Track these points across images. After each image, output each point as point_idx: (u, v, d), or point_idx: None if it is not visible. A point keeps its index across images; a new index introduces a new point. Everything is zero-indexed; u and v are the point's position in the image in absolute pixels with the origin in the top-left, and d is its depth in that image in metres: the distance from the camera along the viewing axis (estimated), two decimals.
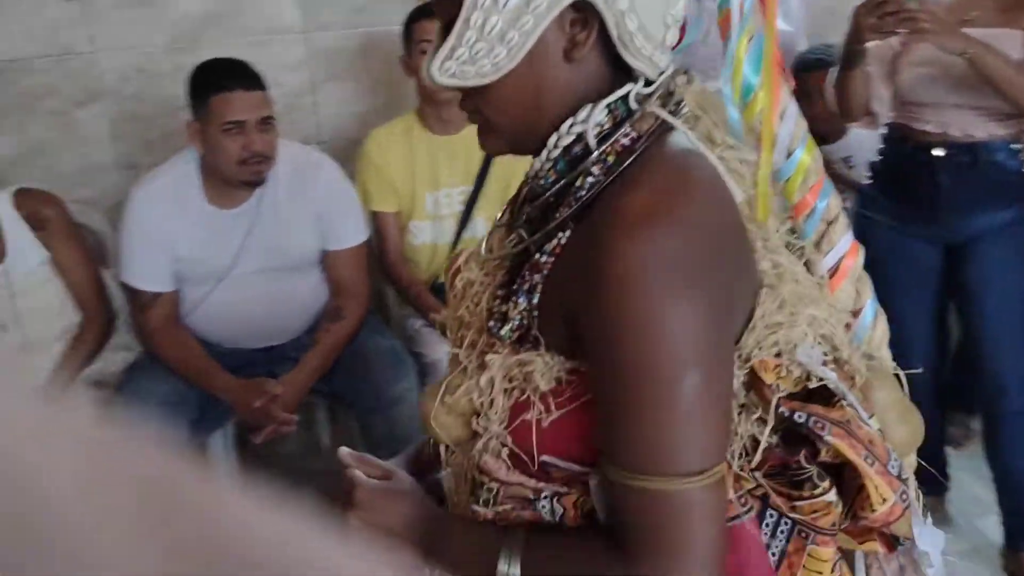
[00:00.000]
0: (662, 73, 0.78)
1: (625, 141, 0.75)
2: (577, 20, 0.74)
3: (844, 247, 0.84)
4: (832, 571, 0.76)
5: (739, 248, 0.77)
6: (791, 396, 0.77)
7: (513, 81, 0.75)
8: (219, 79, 2.02)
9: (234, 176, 2.05)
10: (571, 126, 0.77)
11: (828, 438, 0.74)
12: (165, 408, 2.05)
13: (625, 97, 0.77)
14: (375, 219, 2.42)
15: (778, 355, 0.77)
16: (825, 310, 0.82)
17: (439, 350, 2.29)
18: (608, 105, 0.76)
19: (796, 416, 0.75)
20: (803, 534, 0.75)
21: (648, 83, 0.78)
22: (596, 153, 0.75)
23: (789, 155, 0.82)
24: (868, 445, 0.75)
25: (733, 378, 0.75)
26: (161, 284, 2.13)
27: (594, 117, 0.76)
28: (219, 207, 2.14)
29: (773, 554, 0.75)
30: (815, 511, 0.74)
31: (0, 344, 1.97)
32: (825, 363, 0.79)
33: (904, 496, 0.76)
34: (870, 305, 0.86)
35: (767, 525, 0.76)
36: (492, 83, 0.75)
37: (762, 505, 0.76)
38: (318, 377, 2.20)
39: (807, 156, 0.83)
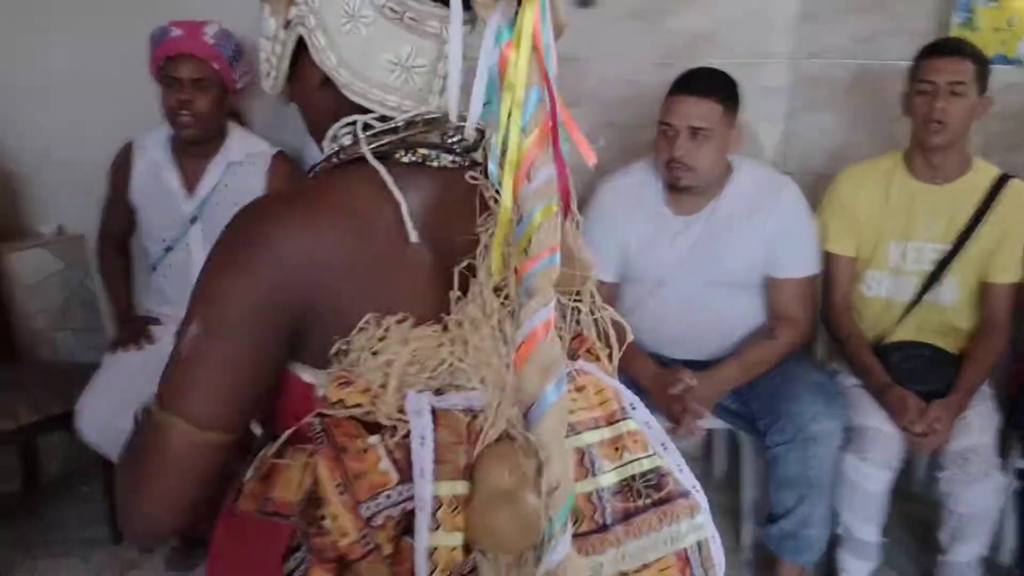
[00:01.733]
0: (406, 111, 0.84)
1: (333, 159, 0.85)
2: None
3: (533, 325, 0.74)
4: None
5: (335, 267, 0.78)
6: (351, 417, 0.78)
7: (293, 97, 0.91)
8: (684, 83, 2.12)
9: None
10: (327, 140, 0.87)
11: (318, 456, 0.76)
12: None
13: (366, 124, 0.84)
14: (827, 260, 2.27)
15: (382, 385, 0.77)
16: (492, 364, 0.79)
17: (870, 416, 2.08)
18: (344, 128, 0.84)
19: (309, 419, 0.78)
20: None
21: (385, 118, 0.84)
22: (316, 165, 0.88)
23: (520, 218, 0.76)
24: (352, 478, 0.75)
25: (248, 358, 0.77)
26: (606, 274, 2.23)
27: (332, 134, 0.85)
28: (674, 211, 2.21)
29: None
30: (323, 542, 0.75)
31: None
32: (435, 411, 0.77)
33: (366, 540, 0.74)
34: (550, 394, 0.74)
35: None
36: (292, 100, 0.92)
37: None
38: (734, 385, 2.14)
39: (540, 219, 0.75)
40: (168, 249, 2.35)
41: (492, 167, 0.81)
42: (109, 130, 2.43)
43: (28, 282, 2.66)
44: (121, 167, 2.38)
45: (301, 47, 0.85)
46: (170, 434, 0.76)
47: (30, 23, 2.64)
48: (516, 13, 0.76)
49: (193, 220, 2.31)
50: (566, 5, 2.54)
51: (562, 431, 0.76)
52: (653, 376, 2.15)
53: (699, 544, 0.86)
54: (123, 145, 2.39)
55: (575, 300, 0.92)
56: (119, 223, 2.45)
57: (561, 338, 0.87)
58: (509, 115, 0.76)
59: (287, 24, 0.85)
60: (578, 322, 0.92)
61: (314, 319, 0.79)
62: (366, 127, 0.83)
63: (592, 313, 0.93)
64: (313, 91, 0.87)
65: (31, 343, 2.66)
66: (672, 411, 2.10)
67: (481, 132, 0.87)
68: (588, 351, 0.92)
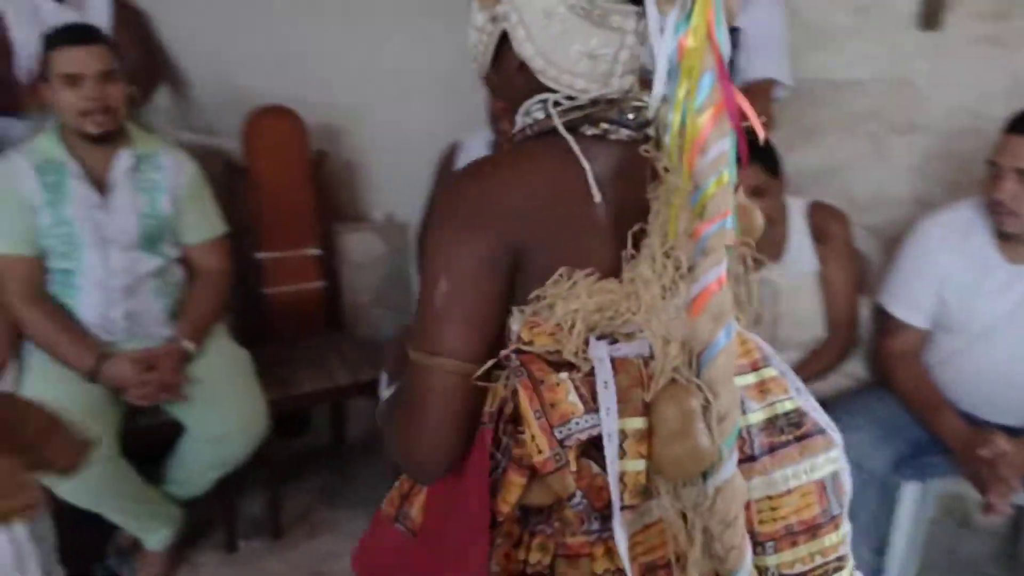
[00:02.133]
0: (588, 93, 0.95)
1: (527, 130, 0.97)
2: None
3: (708, 280, 0.87)
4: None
5: (535, 218, 0.91)
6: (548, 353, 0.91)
7: (493, 79, 1.03)
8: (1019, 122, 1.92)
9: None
10: (521, 114, 0.99)
11: (516, 384, 0.90)
12: (875, 431, 1.98)
13: (556, 101, 0.95)
14: None
15: (571, 328, 0.90)
16: (661, 325, 0.89)
17: None
18: (536, 104, 0.96)
19: (511, 360, 0.91)
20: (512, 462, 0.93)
21: (571, 98, 0.95)
22: (514, 136, 1.00)
23: (696, 187, 0.88)
24: (547, 407, 0.89)
25: (487, 300, 0.91)
26: (916, 317, 2.07)
27: (525, 109, 0.98)
28: (1007, 258, 1.97)
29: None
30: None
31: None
32: (613, 359, 0.90)
33: (559, 458, 0.88)
34: (721, 339, 0.87)
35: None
36: (490, 83, 1.05)
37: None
38: None
39: (714, 188, 0.87)
40: None
41: (667, 140, 0.91)
42: (438, 127, 2.64)
43: (357, 261, 2.97)
44: (446, 164, 2.57)
45: (504, 37, 0.97)
46: (438, 373, 0.91)
47: (372, 21, 2.87)
48: (692, 8, 0.87)
49: None
50: (907, 27, 2.42)
51: (731, 370, 0.90)
52: (962, 436, 1.94)
53: (833, 475, 0.99)
54: (449, 144, 2.57)
55: (751, 255, 1.00)
56: None
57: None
58: (686, 97, 0.87)
59: (494, 19, 0.97)
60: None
61: (522, 265, 0.92)
62: (556, 104, 0.95)
63: (746, 272, 1.01)
64: (513, 74, 0.99)
65: (354, 317, 2.97)
66: (980, 477, 1.87)
67: (655, 111, 0.96)
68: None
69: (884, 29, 2.51)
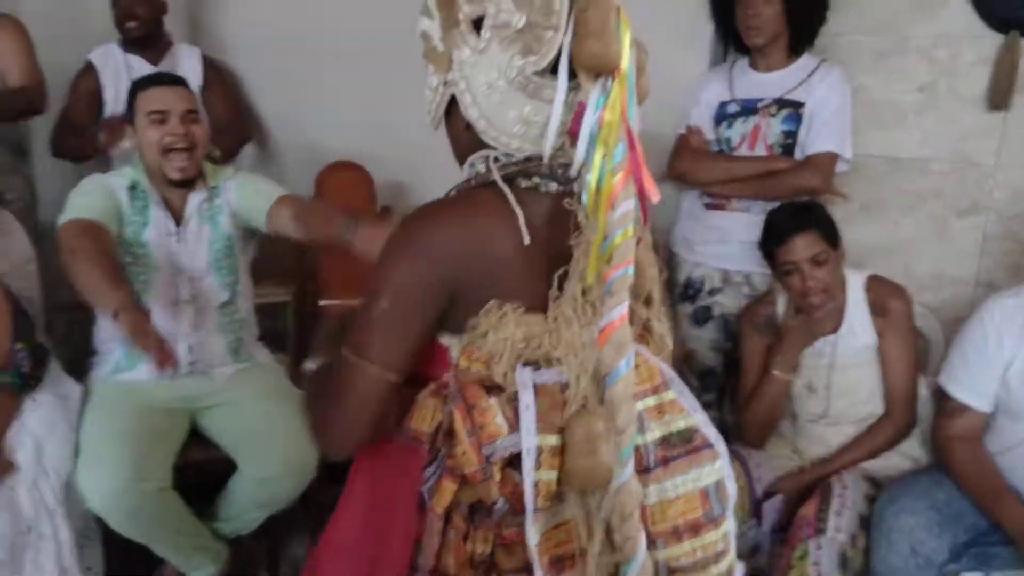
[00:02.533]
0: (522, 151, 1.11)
1: (471, 181, 1.13)
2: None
3: (612, 317, 1.04)
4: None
5: (472, 257, 1.07)
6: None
7: (448, 130, 1.19)
8: None
9: None
10: (466, 166, 1.16)
11: (452, 407, 1.10)
12: (932, 515, 1.92)
13: (495, 157, 1.12)
14: None
15: (501, 356, 1.08)
16: (578, 354, 1.07)
17: None
18: (480, 158, 1.13)
19: (450, 387, 1.12)
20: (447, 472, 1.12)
21: (508, 155, 1.11)
22: (458, 185, 1.16)
23: (605, 238, 1.05)
24: (478, 428, 1.07)
25: (418, 322, 1.08)
26: (977, 400, 1.98)
27: (470, 162, 1.15)
28: None
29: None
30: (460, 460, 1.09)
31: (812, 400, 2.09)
32: (536, 385, 1.08)
33: (485, 471, 1.07)
34: (622, 368, 1.04)
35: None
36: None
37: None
38: None
39: (620, 239, 1.04)
40: None
41: (584, 197, 1.07)
42: None
43: None
44: None
45: (453, 99, 1.13)
46: (364, 374, 1.08)
47: None
48: (610, 88, 1.04)
49: None
50: (973, 107, 2.43)
51: (630, 393, 1.05)
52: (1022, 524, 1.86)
53: (716, 483, 1.15)
54: None
55: (643, 304, 1.21)
56: None
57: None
58: (602, 160, 1.05)
59: (445, 83, 1.12)
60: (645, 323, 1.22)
61: (458, 296, 1.08)
62: (496, 160, 1.11)
63: (650, 318, 1.21)
64: (460, 131, 1.15)
65: None
66: None
67: (578, 170, 1.10)
68: (640, 336, 1.20)
69: (950, 109, 2.51)
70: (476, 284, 1.07)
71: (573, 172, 1.10)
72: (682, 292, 2.62)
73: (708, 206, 2.54)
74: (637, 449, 1.09)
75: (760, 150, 2.45)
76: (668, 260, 2.66)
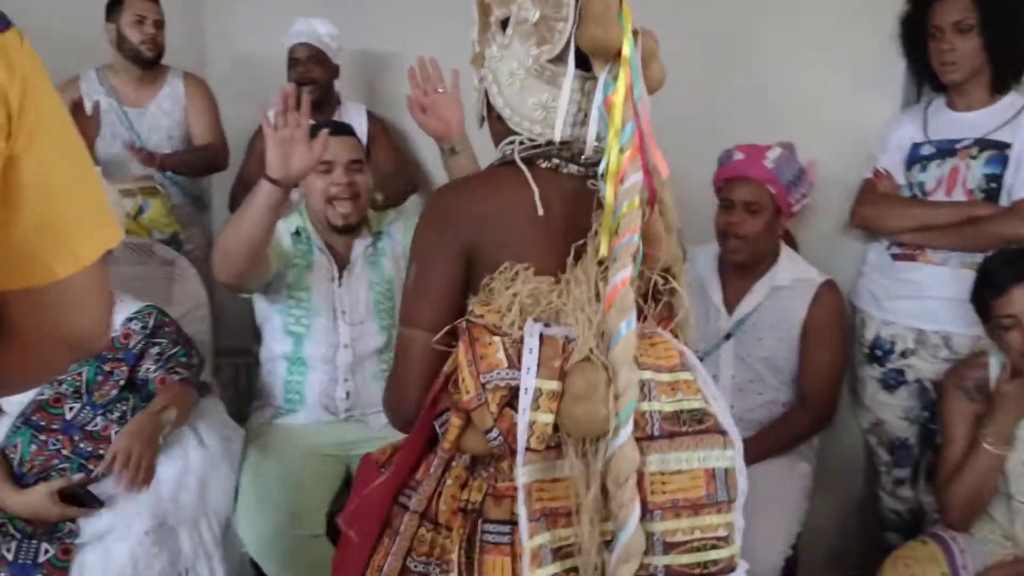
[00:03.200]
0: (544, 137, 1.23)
1: (495, 162, 1.28)
2: None
3: (616, 281, 1.10)
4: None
5: (489, 224, 1.19)
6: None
7: (488, 123, 1.33)
8: None
9: None
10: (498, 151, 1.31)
11: (460, 341, 1.15)
12: None
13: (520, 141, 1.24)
14: None
15: (509, 308, 1.15)
16: (584, 309, 1.13)
17: None
18: (507, 143, 1.26)
19: (460, 322, 1.18)
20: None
21: (532, 140, 1.24)
22: (490, 165, 1.31)
23: (615, 211, 1.13)
24: (478, 358, 1.12)
25: (446, 280, 1.20)
26: None
27: (500, 148, 1.29)
28: None
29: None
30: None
31: None
32: (541, 336, 1.13)
33: (480, 397, 1.11)
34: (623, 329, 1.09)
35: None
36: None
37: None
38: None
39: (626, 210, 1.12)
40: (700, 359, 2.38)
41: (601, 176, 1.16)
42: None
43: None
44: None
45: (488, 96, 1.28)
46: (411, 340, 1.22)
47: None
48: (617, 72, 1.14)
49: (727, 337, 2.31)
50: None
51: (630, 355, 1.09)
52: None
53: (726, 470, 1.14)
54: None
55: (662, 274, 1.25)
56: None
57: (643, 300, 1.23)
58: (613, 139, 1.14)
59: (481, 79, 1.29)
60: (668, 304, 1.29)
61: (475, 258, 1.20)
62: (521, 144, 1.23)
63: (666, 283, 1.25)
64: (494, 121, 1.29)
65: None
66: None
67: (600, 152, 1.18)
68: (672, 330, 1.27)
69: None
70: (492, 248, 1.19)
71: (587, 152, 1.21)
72: (869, 353, 2.37)
73: (897, 257, 2.30)
74: (641, 415, 1.11)
75: (958, 195, 2.21)
76: (852, 316, 2.44)
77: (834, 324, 2.25)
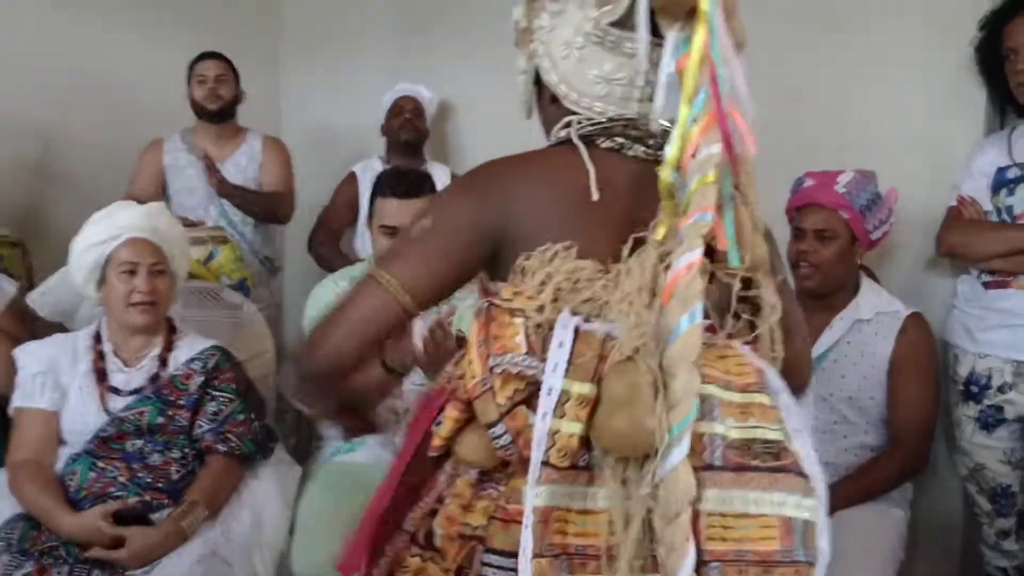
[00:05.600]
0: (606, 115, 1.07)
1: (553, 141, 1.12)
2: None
3: (679, 266, 0.90)
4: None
5: (532, 202, 1.02)
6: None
7: (539, 112, 1.16)
8: None
9: None
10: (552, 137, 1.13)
11: (475, 317, 0.97)
12: None
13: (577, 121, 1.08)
14: None
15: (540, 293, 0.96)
16: (634, 303, 0.93)
17: None
18: (562, 126, 1.08)
19: (482, 302, 0.99)
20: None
21: (591, 119, 1.07)
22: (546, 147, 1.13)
23: (684, 187, 0.94)
24: (491, 339, 0.93)
25: (454, 250, 1.03)
26: None
27: (554, 133, 1.11)
28: None
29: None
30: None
31: None
32: (577, 329, 0.92)
33: (486, 384, 0.92)
34: (684, 323, 0.88)
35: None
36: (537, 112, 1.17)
37: None
38: None
39: (697, 185, 0.92)
40: None
41: (667, 150, 0.95)
42: None
43: None
44: None
45: (540, 84, 1.12)
46: (377, 284, 1.01)
47: None
48: (692, 31, 0.94)
49: None
50: None
51: (691, 356, 0.88)
52: None
53: (805, 523, 0.90)
54: None
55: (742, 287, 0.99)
56: None
57: (717, 313, 0.99)
58: (682, 108, 0.95)
59: (529, 57, 1.11)
60: (751, 324, 1.02)
61: (508, 244, 1.01)
62: (579, 123, 1.07)
63: (747, 291, 0.99)
64: (546, 105, 1.13)
65: None
66: None
67: (660, 127, 1.04)
68: (751, 343, 1.01)
69: None
70: (531, 233, 1.00)
71: (653, 126, 1.05)
72: (964, 390, 2.20)
73: (989, 284, 2.16)
74: (699, 438, 0.90)
75: None
76: (944, 354, 2.28)
77: (924, 358, 2.09)
